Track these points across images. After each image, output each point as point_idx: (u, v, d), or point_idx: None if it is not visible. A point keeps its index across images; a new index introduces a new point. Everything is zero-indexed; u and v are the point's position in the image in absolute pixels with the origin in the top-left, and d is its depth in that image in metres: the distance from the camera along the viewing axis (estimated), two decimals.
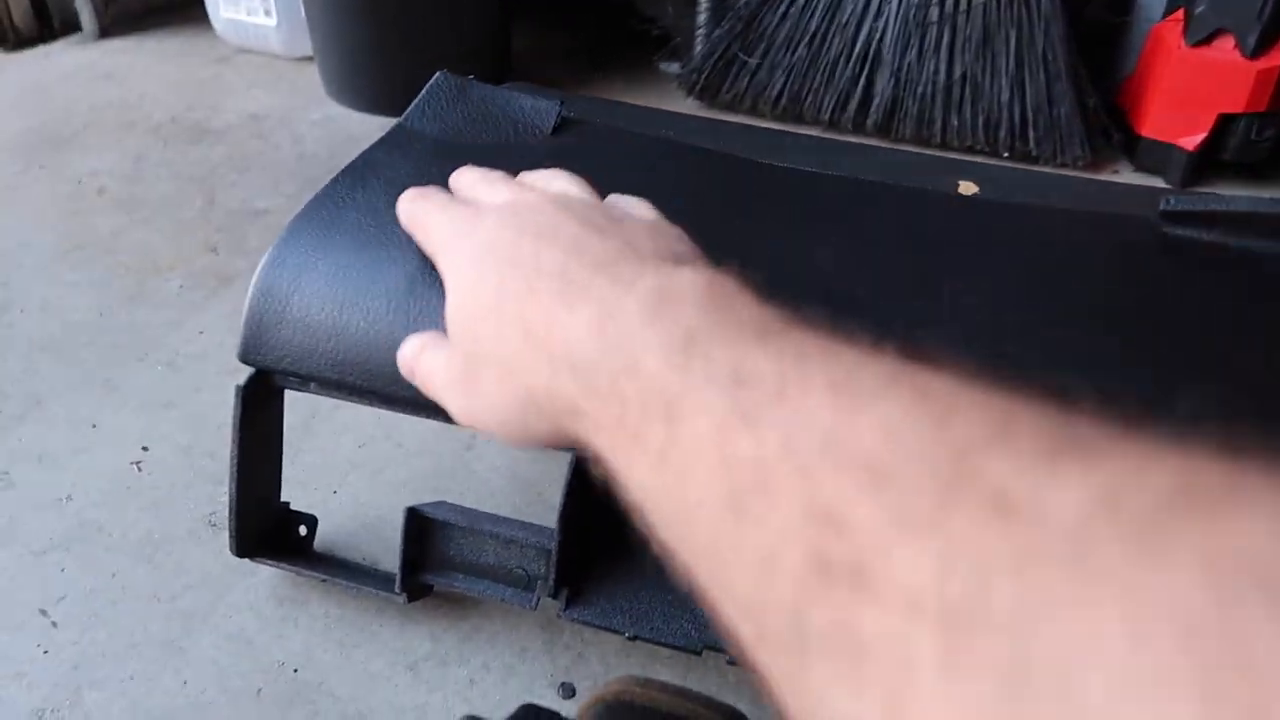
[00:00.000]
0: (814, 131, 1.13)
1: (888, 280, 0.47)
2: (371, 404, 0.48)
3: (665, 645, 0.47)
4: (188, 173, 0.97)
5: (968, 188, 0.57)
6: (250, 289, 0.48)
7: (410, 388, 0.46)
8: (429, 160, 0.54)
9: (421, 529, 0.50)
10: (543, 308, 0.31)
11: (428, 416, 0.48)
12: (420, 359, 0.39)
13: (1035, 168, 1.05)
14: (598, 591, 0.49)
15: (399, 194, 0.51)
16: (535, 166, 0.55)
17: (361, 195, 0.51)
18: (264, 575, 0.54)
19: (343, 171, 0.53)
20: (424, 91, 0.59)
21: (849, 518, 0.17)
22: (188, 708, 0.47)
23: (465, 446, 0.64)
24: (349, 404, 0.65)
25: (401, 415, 0.64)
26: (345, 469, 0.62)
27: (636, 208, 0.38)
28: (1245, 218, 0.50)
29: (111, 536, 0.56)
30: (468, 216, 0.39)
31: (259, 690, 0.48)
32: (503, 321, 0.32)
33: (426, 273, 0.47)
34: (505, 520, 0.50)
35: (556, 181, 0.41)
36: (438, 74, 0.60)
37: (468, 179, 0.44)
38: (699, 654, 0.47)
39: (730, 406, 0.21)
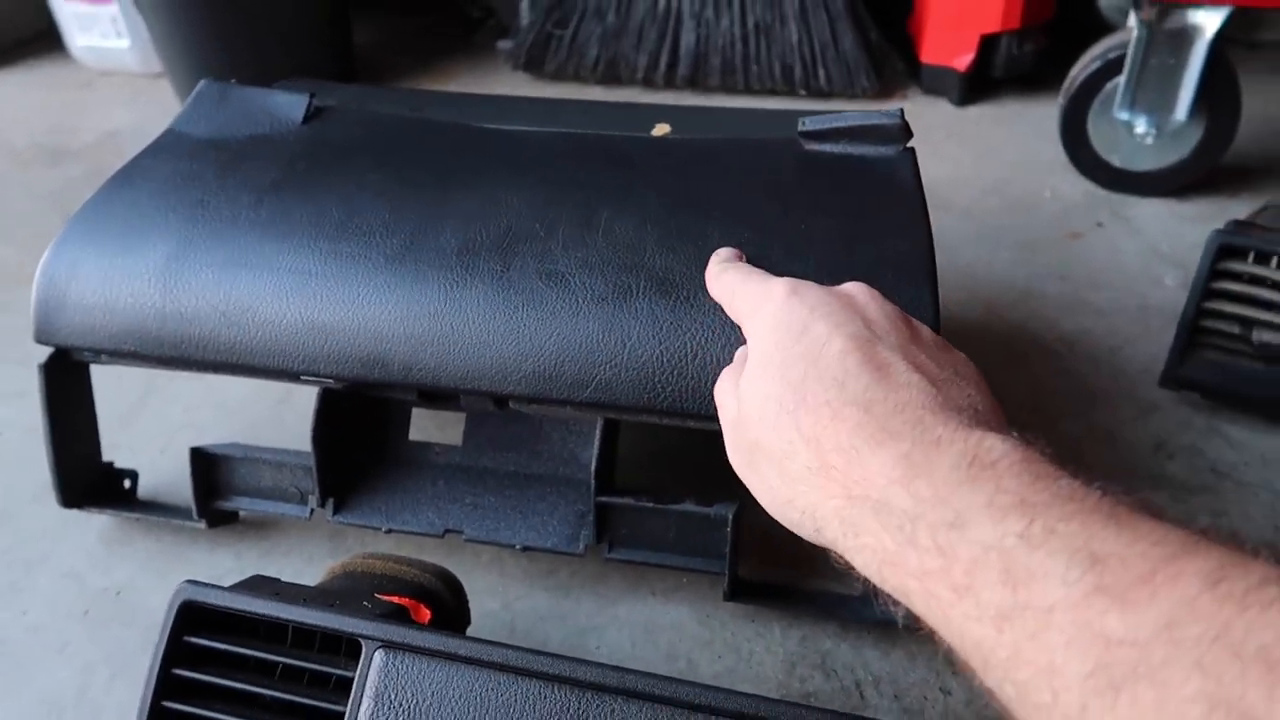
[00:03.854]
0: (632, 90, 1.23)
1: (560, 214, 0.56)
2: (151, 366, 0.58)
3: (414, 534, 0.58)
4: (46, 191, 1.06)
5: (661, 129, 0.67)
6: (34, 282, 0.57)
7: (178, 349, 0.56)
8: (189, 160, 0.63)
9: (207, 464, 0.60)
10: (842, 439, 0.31)
11: (200, 371, 0.57)
12: (719, 387, 0.42)
13: (827, 102, 1.15)
14: (358, 498, 0.59)
15: (159, 190, 0.61)
16: (288, 153, 0.65)
17: (128, 194, 0.60)
18: (95, 525, 0.64)
19: (112, 177, 0.61)
20: (189, 99, 0.68)
21: (1263, 716, 0.18)
22: (24, 630, 0.57)
23: (278, 400, 0.74)
24: (181, 378, 0.75)
25: (227, 380, 0.74)
26: (173, 431, 0.72)
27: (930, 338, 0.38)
28: (859, 130, 0.60)
29: None
30: (777, 284, 0.39)
31: (86, 611, 0.58)
32: (797, 434, 0.33)
33: (181, 253, 0.56)
34: (275, 450, 0.60)
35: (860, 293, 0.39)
36: (201, 82, 0.69)
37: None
38: (441, 537, 0.57)
39: (1093, 583, 0.22)
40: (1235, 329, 0.66)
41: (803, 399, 0.33)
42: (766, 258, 0.51)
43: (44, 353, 0.58)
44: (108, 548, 0.62)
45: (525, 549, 0.56)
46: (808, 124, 0.61)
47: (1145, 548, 0.22)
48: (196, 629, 0.43)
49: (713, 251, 0.51)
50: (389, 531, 0.58)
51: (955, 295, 0.83)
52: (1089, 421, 0.70)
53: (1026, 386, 0.73)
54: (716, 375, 0.49)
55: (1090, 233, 0.91)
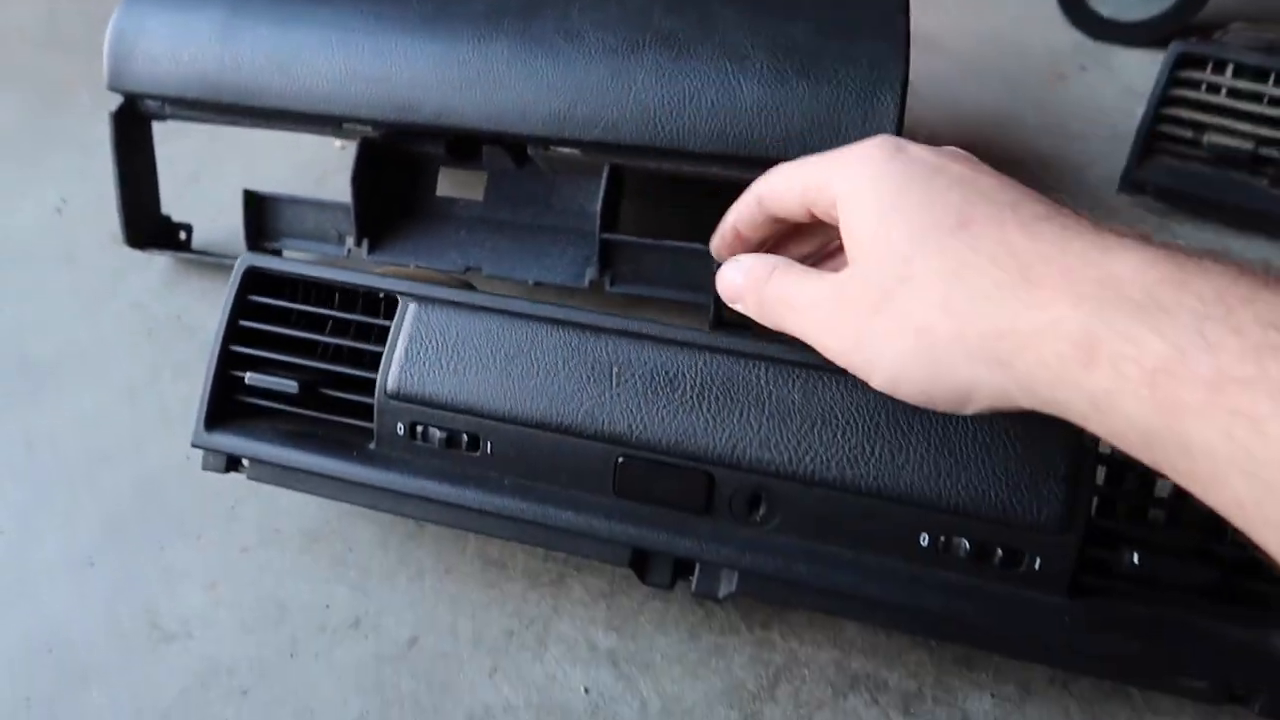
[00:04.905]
0: None
1: None
2: (210, 118, 0.65)
3: (439, 271, 0.65)
4: (99, 15, 1.12)
5: None
6: (106, 35, 0.64)
7: (236, 94, 0.63)
8: None
9: (257, 205, 0.68)
10: (1054, 242, 0.28)
11: (253, 121, 0.65)
12: (773, 288, 0.37)
13: None
14: (392, 239, 0.67)
15: None
16: None
17: None
18: (156, 267, 0.72)
19: None
20: None
21: None
22: (97, 342, 0.65)
23: (316, 181, 0.82)
24: (227, 163, 0.82)
25: (269, 163, 0.81)
26: (222, 204, 0.79)
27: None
28: None
29: (35, 255, 0.74)
30: (869, 144, 0.34)
31: (150, 330, 0.66)
32: (971, 250, 0.29)
33: (237, 12, 0.63)
34: (319, 198, 0.67)
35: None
36: None
37: None
38: (463, 274, 0.65)
39: None
40: (1189, 134, 0.72)
41: (969, 219, 0.30)
42: (756, 32, 0.57)
43: (106, 120, 0.65)
44: (167, 286, 0.70)
45: (536, 284, 0.64)
46: None
47: None
48: (258, 291, 0.51)
49: (715, 20, 0.58)
50: (417, 268, 0.66)
51: (938, 117, 0.89)
52: None
53: None
54: (711, 117, 0.56)
55: (1073, 75, 0.97)
